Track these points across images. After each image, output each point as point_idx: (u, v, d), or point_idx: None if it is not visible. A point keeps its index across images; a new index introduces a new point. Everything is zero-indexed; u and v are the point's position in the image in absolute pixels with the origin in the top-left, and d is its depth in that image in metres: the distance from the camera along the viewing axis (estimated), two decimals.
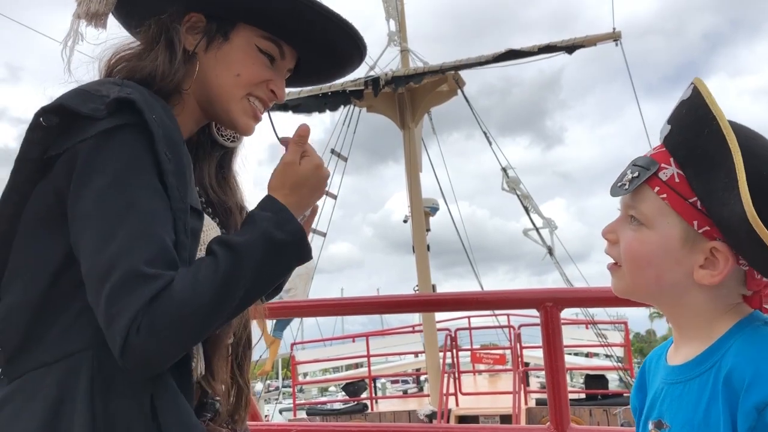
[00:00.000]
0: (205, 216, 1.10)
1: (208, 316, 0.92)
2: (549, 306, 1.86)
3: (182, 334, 0.90)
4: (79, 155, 0.94)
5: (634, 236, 0.96)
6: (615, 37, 9.40)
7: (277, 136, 1.19)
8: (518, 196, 10.57)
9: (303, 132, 1.11)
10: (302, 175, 1.08)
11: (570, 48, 9.29)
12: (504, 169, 10.51)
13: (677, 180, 0.92)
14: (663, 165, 0.93)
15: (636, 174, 0.95)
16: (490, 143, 10.33)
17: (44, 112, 0.96)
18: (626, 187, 0.96)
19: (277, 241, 0.99)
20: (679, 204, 0.91)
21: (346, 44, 1.21)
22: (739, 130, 0.88)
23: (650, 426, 0.98)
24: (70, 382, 0.92)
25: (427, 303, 2.04)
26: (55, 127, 0.95)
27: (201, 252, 1.04)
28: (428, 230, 10.24)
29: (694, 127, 0.90)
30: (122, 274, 0.87)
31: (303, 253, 1.03)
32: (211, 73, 1.14)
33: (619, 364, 9.72)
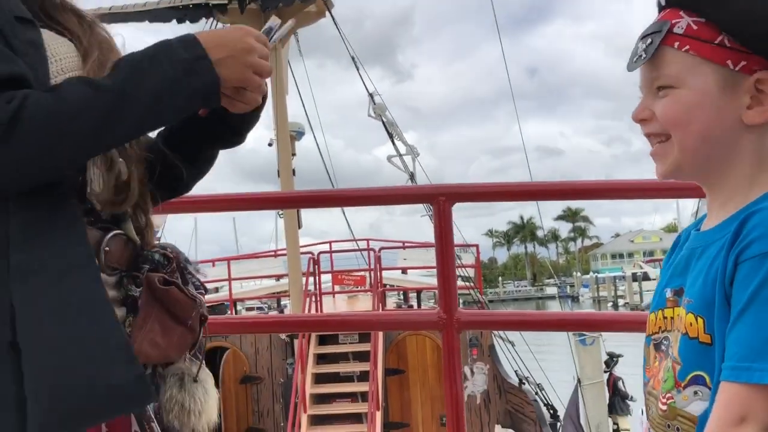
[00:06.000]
0: (49, 32, 1.01)
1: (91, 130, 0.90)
2: (442, 200, 1.96)
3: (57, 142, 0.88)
4: None
5: (669, 100, 0.90)
6: None
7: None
8: (384, 122, 10.72)
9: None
10: (225, 36, 1.03)
11: None
12: (371, 95, 10.56)
13: (695, 27, 0.88)
14: (674, 21, 0.90)
15: (649, 41, 0.90)
16: (358, 68, 10.31)
17: None
18: (643, 56, 0.90)
19: (182, 59, 0.96)
20: (707, 49, 0.87)
21: None
22: None
23: (668, 293, 0.94)
24: None
25: (321, 199, 2.06)
26: None
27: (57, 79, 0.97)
28: (294, 154, 10.14)
29: None
30: None
31: (208, 89, 0.99)
32: None
33: (471, 283, 10.40)
